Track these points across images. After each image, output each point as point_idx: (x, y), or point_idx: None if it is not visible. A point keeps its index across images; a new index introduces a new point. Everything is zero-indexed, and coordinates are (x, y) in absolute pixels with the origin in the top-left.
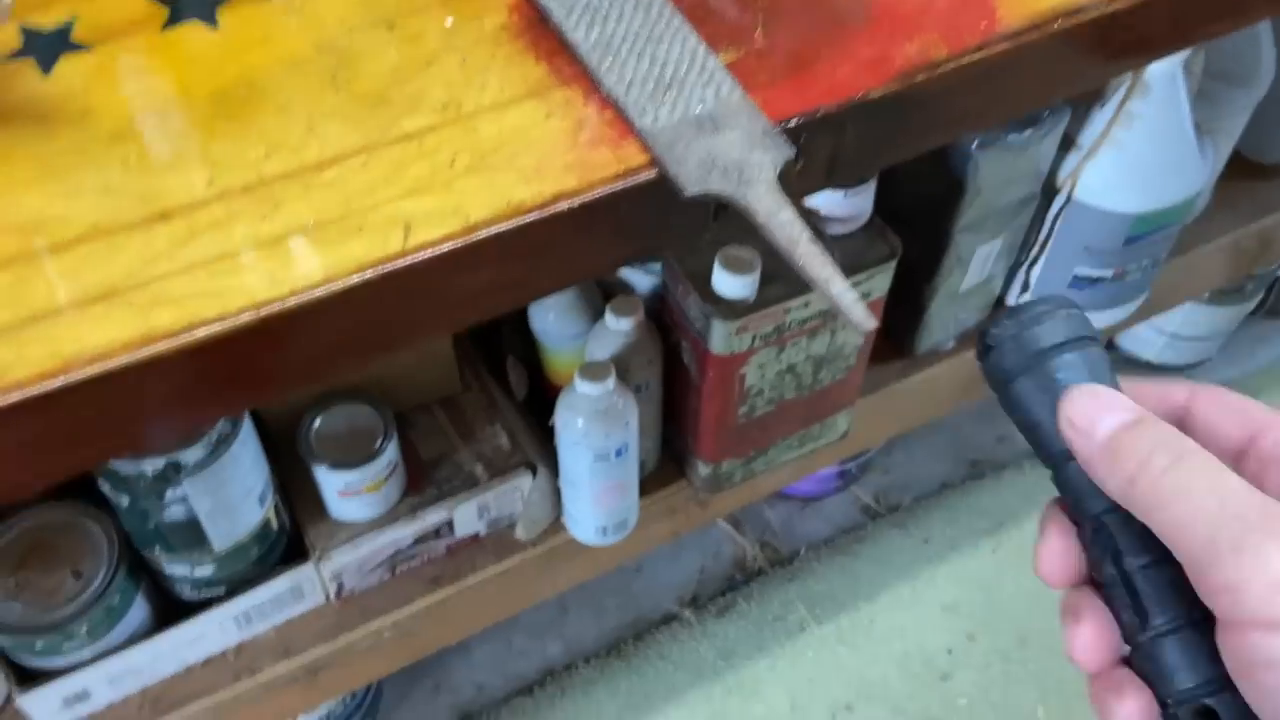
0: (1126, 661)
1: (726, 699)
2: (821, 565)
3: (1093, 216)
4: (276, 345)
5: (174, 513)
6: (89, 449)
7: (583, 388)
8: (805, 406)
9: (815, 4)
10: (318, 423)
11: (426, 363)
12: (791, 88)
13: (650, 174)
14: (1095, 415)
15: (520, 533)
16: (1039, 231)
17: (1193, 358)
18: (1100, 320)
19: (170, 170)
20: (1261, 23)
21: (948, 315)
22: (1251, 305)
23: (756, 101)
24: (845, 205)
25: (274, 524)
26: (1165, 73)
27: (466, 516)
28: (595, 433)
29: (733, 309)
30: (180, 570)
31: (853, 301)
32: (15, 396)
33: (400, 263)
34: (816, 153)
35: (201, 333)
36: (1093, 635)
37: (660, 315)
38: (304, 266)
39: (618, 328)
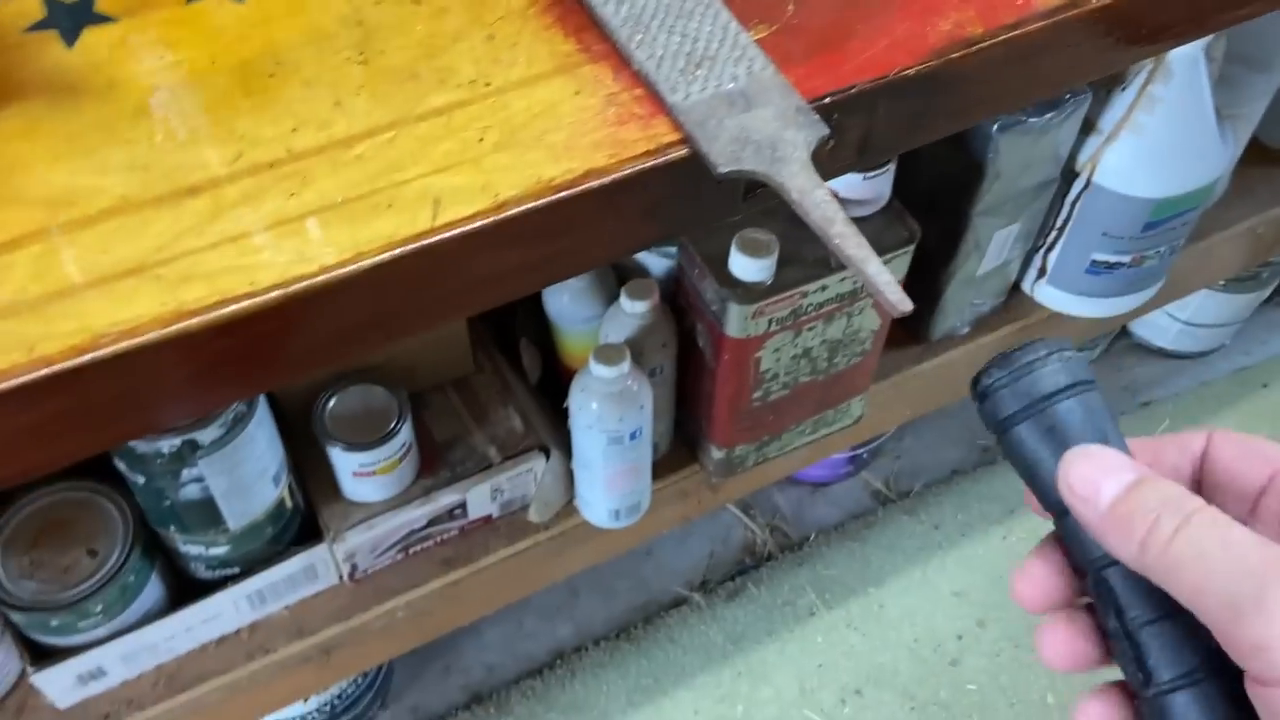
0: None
1: (735, 683)
2: (831, 550)
3: (1112, 201)
4: (305, 322)
5: (189, 492)
6: (116, 427)
7: (597, 371)
8: (820, 391)
9: None
10: (332, 403)
11: (440, 344)
12: (824, 64)
13: (681, 152)
14: (1096, 481)
15: (533, 515)
16: (1057, 216)
17: (1206, 345)
18: (1116, 307)
19: (197, 145)
20: None
21: (963, 300)
22: (1267, 292)
23: (789, 78)
24: (864, 188)
25: (288, 504)
26: (1187, 56)
27: (479, 498)
28: (609, 416)
29: (749, 292)
30: (195, 549)
31: (888, 283)
32: (44, 372)
33: (429, 240)
34: (849, 131)
35: (231, 309)
36: (1065, 641)
37: (675, 298)
38: (333, 243)
39: (633, 310)
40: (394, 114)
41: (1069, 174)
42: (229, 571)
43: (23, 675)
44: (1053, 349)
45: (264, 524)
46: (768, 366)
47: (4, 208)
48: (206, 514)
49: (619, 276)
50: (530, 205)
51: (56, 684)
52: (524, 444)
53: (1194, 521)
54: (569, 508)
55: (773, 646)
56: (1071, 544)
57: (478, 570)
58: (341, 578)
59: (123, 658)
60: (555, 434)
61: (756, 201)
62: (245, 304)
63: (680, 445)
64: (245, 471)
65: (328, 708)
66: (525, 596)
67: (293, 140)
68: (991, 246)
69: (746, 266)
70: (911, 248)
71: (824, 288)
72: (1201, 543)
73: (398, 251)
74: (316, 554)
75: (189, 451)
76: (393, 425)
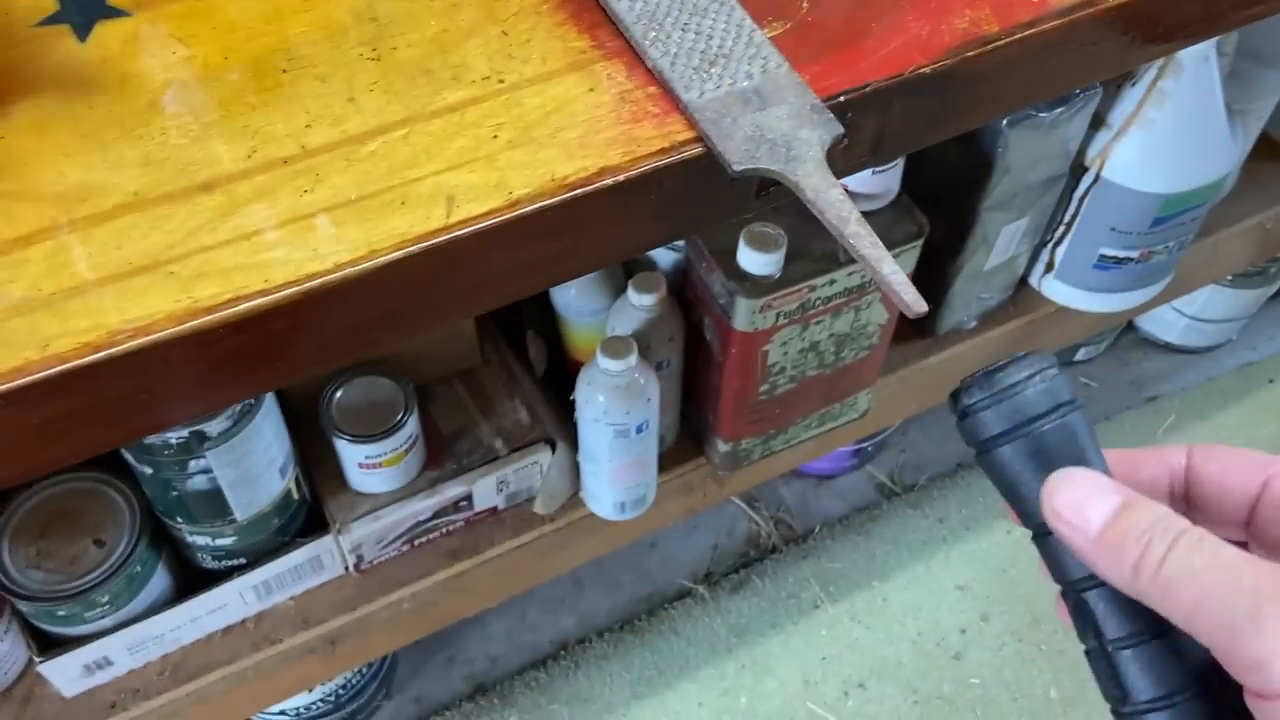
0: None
1: (739, 675)
2: (836, 543)
3: (1121, 196)
4: (317, 320)
5: (196, 483)
6: (128, 424)
7: (604, 364)
8: (827, 385)
9: None
10: (339, 395)
11: (447, 336)
12: (839, 62)
13: (695, 150)
14: (1082, 507)
15: (539, 507)
16: (1066, 211)
17: (1213, 340)
18: (1124, 302)
19: (210, 141)
20: None
21: (970, 294)
22: (1274, 288)
23: (803, 76)
24: (873, 182)
25: (295, 495)
26: (1198, 52)
27: (485, 490)
28: (616, 409)
29: (757, 286)
30: (201, 540)
31: (903, 283)
32: (57, 369)
33: (443, 238)
34: (863, 130)
35: (244, 306)
36: None
37: (682, 291)
38: (347, 240)
39: (640, 304)
40: (407, 110)
41: (1078, 169)
42: (235, 562)
43: (29, 664)
44: (1036, 369)
45: (270, 515)
46: (775, 360)
47: (17, 203)
48: (213, 505)
49: (626, 269)
50: (544, 203)
51: (63, 673)
52: (530, 436)
53: (1182, 543)
54: (574, 500)
55: (776, 639)
56: (1051, 564)
57: (483, 562)
58: (347, 569)
59: (129, 648)
60: (561, 426)
61: (769, 199)
62: (258, 301)
63: (686, 438)
64: (252, 463)
65: (332, 698)
66: (531, 588)
67: (306, 136)
68: (999, 241)
69: (754, 260)
70: (920, 242)
71: (832, 282)
72: (1192, 563)
73: (411, 249)
74: (322, 545)
75: (197, 443)
76: (399, 417)
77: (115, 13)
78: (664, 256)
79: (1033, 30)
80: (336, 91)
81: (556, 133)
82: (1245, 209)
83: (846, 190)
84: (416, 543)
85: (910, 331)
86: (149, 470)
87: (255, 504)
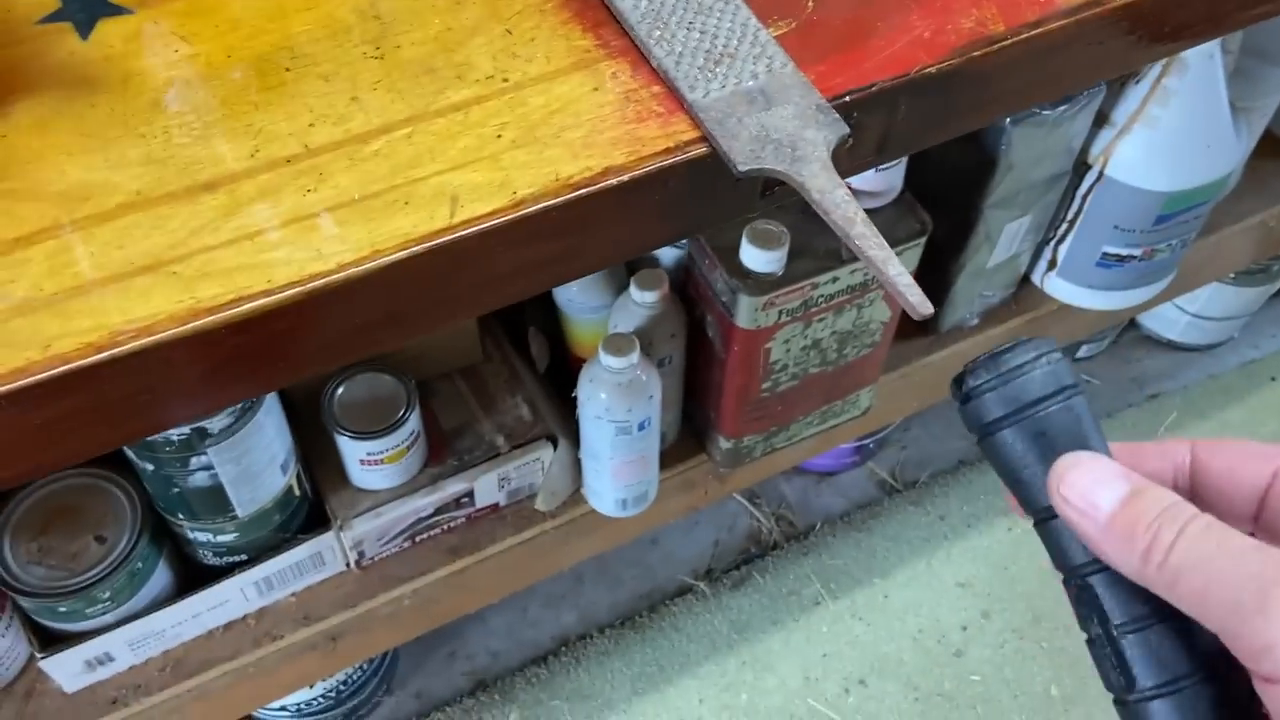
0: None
1: (740, 672)
2: (837, 540)
3: (1124, 194)
4: (320, 320)
5: (198, 479)
6: (130, 424)
7: (606, 361)
8: (829, 382)
9: None
10: (340, 391)
11: (449, 333)
12: (844, 62)
13: (700, 150)
14: (1091, 493)
15: (540, 504)
16: (1069, 208)
17: (1215, 338)
18: (1126, 300)
19: (213, 140)
20: None
21: (973, 292)
22: (1277, 286)
23: (809, 76)
24: (876, 180)
25: (296, 491)
26: (1203, 50)
27: (487, 487)
28: (618, 406)
29: (760, 284)
30: (203, 536)
31: (908, 284)
32: (59, 370)
33: (447, 238)
34: (868, 130)
35: (247, 307)
36: None
37: (685, 288)
38: (350, 240)
39: (642, 301)
40: (411, 109)
41: (1081, 167)
42: (237, 558)
43: (31, 660)
44: (1039, 351)
45: (272, 511)
46: (777, 357)
47: (19, 203)
48: (215, 501)
49: (629, 266)
50: (548, 203)
51: (64, 669)
52: (532, 433)
53: (1189, 530)
54: (576, 497)
55: (777, 636)
56: (1054, 549)
57: (484, 558)
58: (348, 565)
59: (130, 643)
60: (563, 423)
61: (774, 199)
62: (261, 302)
63: (688, 435)
64: (254, 459)
65: (333, 694)
66: (531, 585)
67: (309, 135)
68: (1002, 238)
69: (757, 258)
70: (923, 240)
71: (835, 279)
72: (1200, 551)
73: (415, 249)
74: (324, 541)
75: (198, 439)
76: (400, 414)
77: (117, 10)
78: (666, 253)
79: (1039, 30)
80: (340, 90)
81: (561, 132)
82: (1248, 206)
83: (851, 189)
84: (418, 539)
85: (912, 329)
86: (150, 466)
87: (257, 500)
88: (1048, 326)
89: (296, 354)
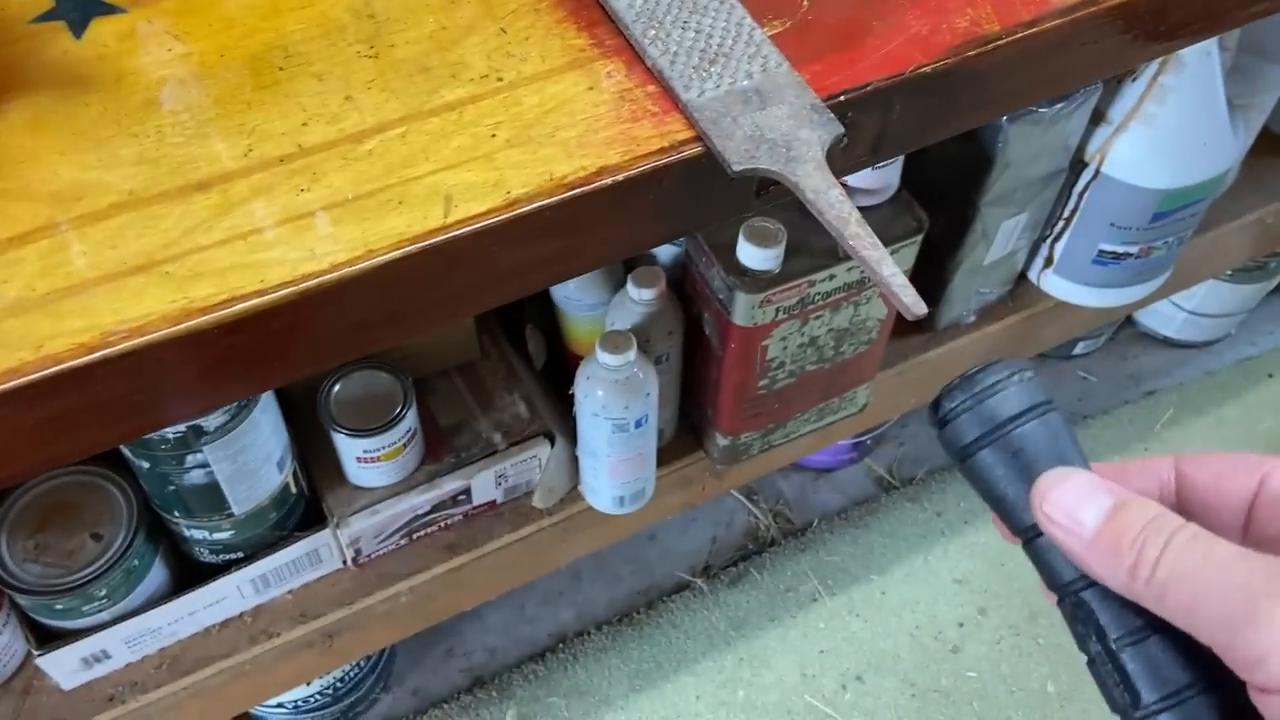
0: None
1: (737, 668)
2: (834, 537)
3: (1121, 191)
4: (314, 320)
5: (194, 477)
6: (123, 425)
7: (603, 358)
8: (826, 379)
9: None
10: (337, 389)
11: (446, 330)
12: (839, 62)
13: (695, 149)
14: (1075, 509)
15: (537, 501)
16: (1065, 206)
17: (1212, 334)
18: (1123, 297)
19: (207, 139)
20: None
21: (969, 289)
22: (1273, 283)
23: (803, 75)
24: (873, 178)
25: (293, 489)
26: (1200, 47)
27: (484, 484)
28: (615, 404)
29: (757, 281)
30: (199, 534)
31: (903, 285)
32: (52, 370)
33: (441, 238)
34: (863, 129)
35: (240, 307)
36: None
37: (682, 286)
38: (343, 240)
39: (639, 298)
40: (405, 109)
41: (1078, 164)
42: (233, 556)
43: (28, 657)
44: (1012, 370)
45: (268, 509)
46: (774, 355)
47: (11, 202)
48: (211, 499)
49: (626, 264)
50: (542, 203)
51: (61, 666)
52: (529, 430)
53: (1175, 543)
54: (573, 494)
55: (775, 632)
56: (1043, 567)
57: (481, 556)
58: (345, 562)
59: (127, 641)
60: (560, 420)
61: (769, 198)
62: (255, 302)
63: (685, 432)
64: (250, 457)
65: (330, 691)
66: (528, 582)
67: (303, 135)
68: (999, 236)
69: (754, 255)
70: (919, 237)
71: (831, 277)
72: (1186, 563)
73: (409, 249)
74: (320, 539)
75: (194, 437)
76: (397, 411)
77: (111, 9)
78: (664, 251)
79: (1034, 29)
80: (334, 89)
81: (555, 132)
82: (1245, 204)
83: (846, 188)
84: (415, 536)
85: (909, 326)
86: (146, 464)
87: (253, 498)
88: (1044, 324)
89: (290, 354)
